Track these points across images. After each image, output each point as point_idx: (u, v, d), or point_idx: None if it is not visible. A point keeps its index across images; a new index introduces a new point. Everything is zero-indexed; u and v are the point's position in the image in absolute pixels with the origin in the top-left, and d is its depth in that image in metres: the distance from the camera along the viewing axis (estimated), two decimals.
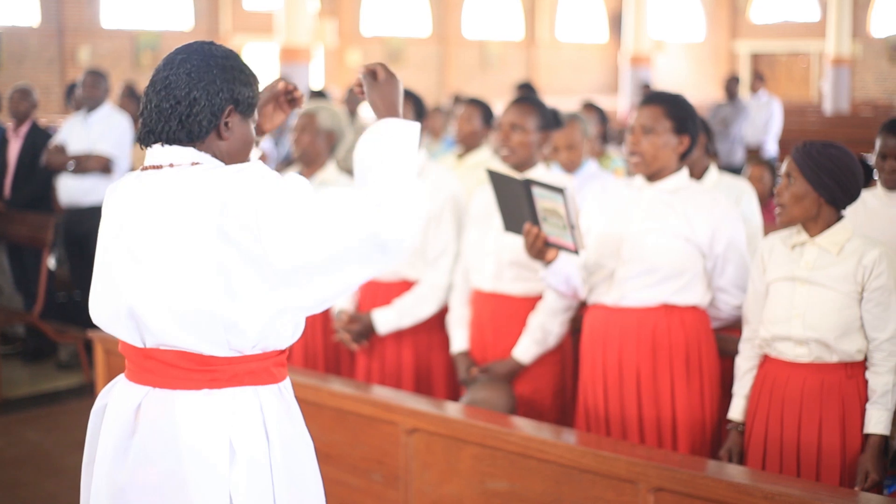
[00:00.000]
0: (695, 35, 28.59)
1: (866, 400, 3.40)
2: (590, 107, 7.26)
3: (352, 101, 11.41)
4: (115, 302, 2.37)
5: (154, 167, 2.37)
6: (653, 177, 3.82)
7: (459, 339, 4.33)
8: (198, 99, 2.34)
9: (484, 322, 4.22)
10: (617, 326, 3.82)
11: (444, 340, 4.47)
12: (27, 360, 7.65)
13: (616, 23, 26.32)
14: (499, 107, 6.08)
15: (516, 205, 3.74)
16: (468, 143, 5.87)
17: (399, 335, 4.50)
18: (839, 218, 3.45)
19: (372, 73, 2.55)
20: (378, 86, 2.53)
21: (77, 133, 7.44)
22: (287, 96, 2.76)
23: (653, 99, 3.82)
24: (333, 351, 4.81)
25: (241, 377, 2.35)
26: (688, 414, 3.78)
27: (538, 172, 4.19)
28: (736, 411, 3.64)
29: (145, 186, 2.37)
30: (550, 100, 5.21)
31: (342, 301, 4.61)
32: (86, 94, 7.47)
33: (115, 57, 18.50)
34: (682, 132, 3.77)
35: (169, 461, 2.30)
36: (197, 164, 2.35)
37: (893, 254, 3.46)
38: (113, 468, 2.36)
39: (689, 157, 3.86)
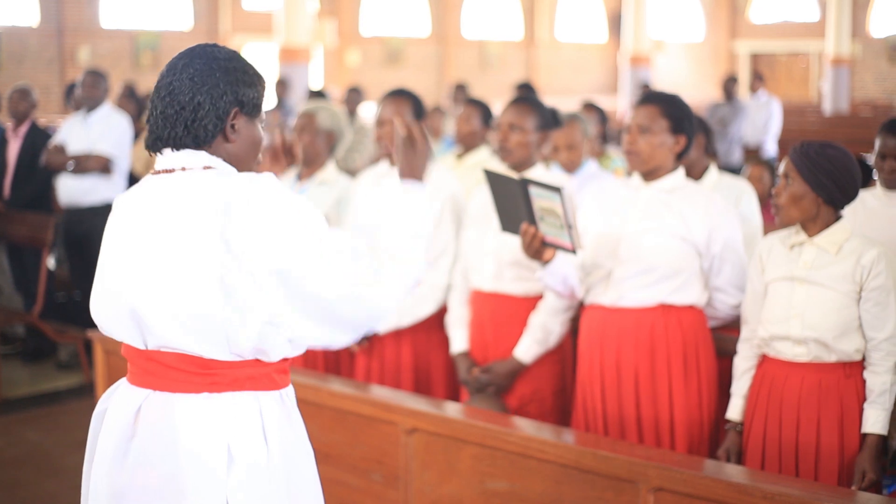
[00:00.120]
0: (694, 35, 28.60)
1: (864, 399, 3.40)
2: (590, 107, 7.25)
3: (351, 100, 11.42)
4: (117, 302, 2.36)
5: (166, 171, 2.37)
6: (649, 176, 3.82)
7: (459, 339, 4.33)
8: (202, 103, 2.33)
9: (484, 322, 4.22)
10: (614, 326, 3.83)
11: (444, 340, 4.47)
12: (27, 360, 7.65)
13: (615, 23, 26.32)
14: (498, 107, 6.08)
15: (513, 205, 3.74)
16: (467, 143, 5.87)
17: (398, 335, 4.50)
18: (837, 218, 3.46)
19: (410, 138, 2.64)
20: (413, 152, 2.64)
21: (77, 133, 7.43)
22: (285, 150, 2.81)
23: (649, 99, 3.83)
24: (333, 351, 4.81)
25: (241, 382, 2.34)
26: (685, 414, 3.78)
27: (537, 172, 4.19)
28: (734, 411, 3.65)
29: (155, 190, 2.37)
30: (550, 100, 5.22)
31: None
32: (85, 94, 7.47)
33: (115, 57, 18.51)
34: (679, 132, 3.77)
35: (167, 464, 2.30)
36: (209, 168, 2.35)
37: (892, 254, 3.46)
38: (112, 471, 2.36)
39: (685, 156, 3.87)
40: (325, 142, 4.94)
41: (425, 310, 4.46)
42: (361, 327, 2.39)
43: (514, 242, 4.02)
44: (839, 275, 3.39)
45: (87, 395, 6.58)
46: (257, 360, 2.35)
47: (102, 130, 7.42)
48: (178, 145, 2.36)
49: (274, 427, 2.37)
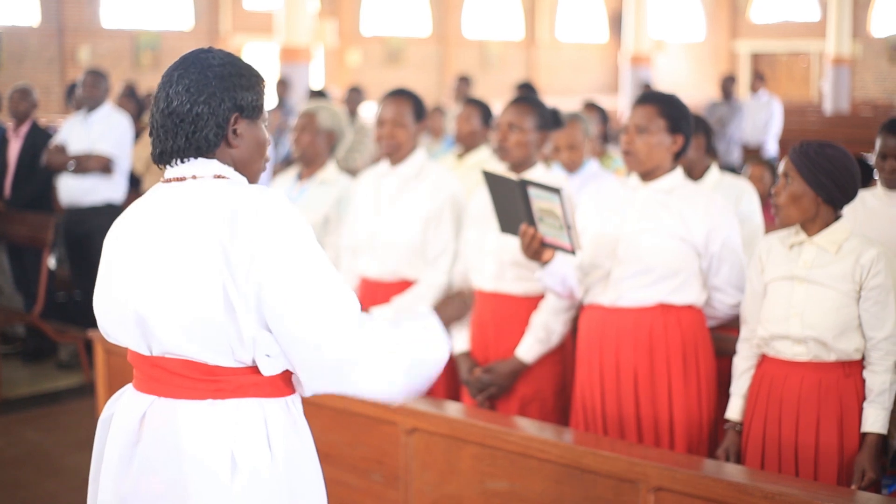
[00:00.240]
0: (695, 35, 28.60)
1: (864, 399, 3.40)
2: (591, 106, 7.25)
3: (352, 100, 11.42)
4: (123, 309, 2.35)
5: (177, 179, 2.36)
6: (647, 176, 3.82)
7: (460, 339, 4.33)
8: (201, 114, 2.31)
9: (485, 322, 4.22)
10: (614, 326, 3.83)
11: None
12: (27, 359, 7.65)
13: (616, 23, 26.33)
14: (499, 107, 6.08)
15: (512, 206, 3.74)
16: (468, 143, 5.88)
17: None
18: (837, 217, 3.46)
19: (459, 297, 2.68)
20: (453, 304, 2.66)
21: (77, 133, 7.43)
22: None
23: (647, 98, 3.83)
24: None
25: (245, 389, 2.32)
26: (685, 413, 3.78)
27: (538, 172, 4.19)
28: (733, 411, 3.65)
29: (164, 198, 2.35)
30: (550, 100, 5.21)
31: None
32: (86, 94, 7.46)
33: (116, 57, 18.52)
34: (676, 131, 3.77)
35: (171, 471, 2.28)
36: (220, 177, 2.34)
37: (892, 253, 3.46)
38: (118, 477, 2.35)
39: (683, 156, 3.87)
40: (326, 141, 4.94)
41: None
42: (328, 375, 2.30)
43: (514, 242, 4.01)
44: (839, 274, 3.39)
45: (87, 395, 6.58)
46: None
47: (103, 130, 7.42)
48: (182, 157, 2.34)
49: (279, 434, 2.34)
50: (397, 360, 2.34)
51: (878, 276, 3.37)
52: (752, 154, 11.78)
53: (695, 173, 4.70)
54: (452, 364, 4.46)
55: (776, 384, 3.48)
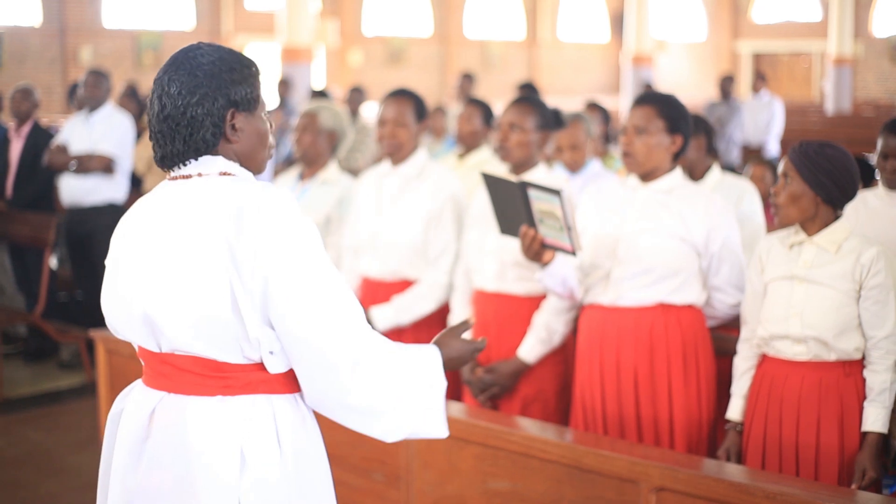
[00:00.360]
0: (696, 35, 28.60)
1: (864, 398, 3.40)
2: (593, 106, 7.25)
3: (353, 100, 11.42)
4: (130, 306, 2.34)
5: (183, 177, 2.35)
6: (646, 177, 3.83)
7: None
8: (196, 116, 2.29)
9: (487, 322, 4.22)
10: (614, 326, 3.83)
11: None
12: (29, 359, 7.65)
13: (618, 22, 26.33)
14: (500, 107, 6.08)
15: (512, 207, 3.74)
16: (469, 143, 5.88)
17: (400, 334, 4.50)
18: (837, 217, 3.46)
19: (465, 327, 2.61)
20: (460, 338, 2.57)
21: (79, 133, 7.43)
22: None
23: (645, 99, 3.83)
24: None
25: (255, 385, 2.32)
26: (685, 413, 3.78)
27: (539, 172, 4.19)
28: (734, 411, 3.65)
29: (170, 196, 2.35)
30: (552, 100, 5.22)
31: None
32: (87, 94, 7.46)
33: (117, 57, 18.53)
34: (675, 132, 3.77)
35: (179, 467, 2.28)
36: (226, 174, 2.33)
37: (893, 253, 3.46)
38: (126, 473, 2.34)
39: (682, 156, 3.87)
40: (327, 142, 4.94)
41: (425, 308, 4.45)
42: (318, 389, 2.28)
43: (515, 243, 4.01)
44: (838, 273, 3.39)
45: (88, 395, 6.58)
46: None
47: (104, 130, 7.42)
48: (183, 160, 2.33)
49: (288, 431, 2.34)
50: (394, 389, 2.33)
51: (878, 275, 3.37)
52: (754, 154, 11.79)
53: (696, 173, 4.70)
54: None
55: (777, 384, 3.48)
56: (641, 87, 17.00)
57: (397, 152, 4.54)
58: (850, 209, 4.06)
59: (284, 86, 12.74)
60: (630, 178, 3.88)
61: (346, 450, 3.95)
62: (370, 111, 12.54)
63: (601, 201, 3.95)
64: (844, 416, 3.40)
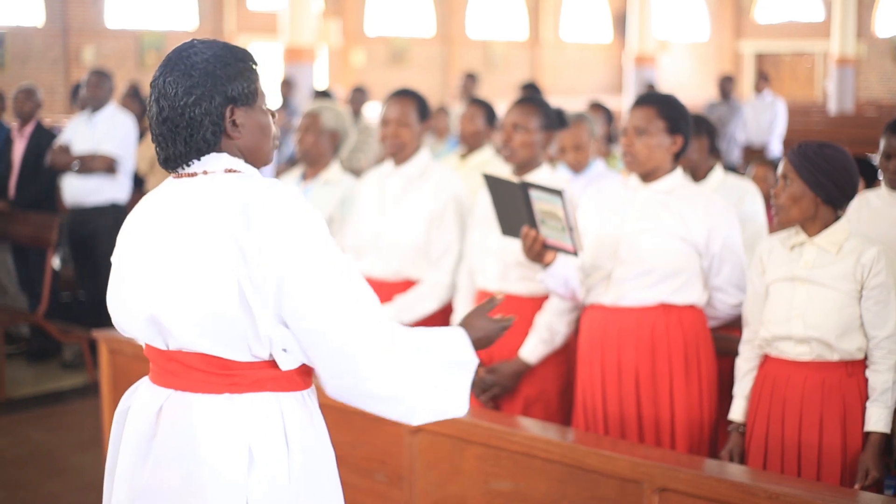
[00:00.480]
0: (699, 35, 28.59)
1: (867, 398, 3.40)
2: (597, 107, 7.26)
3: (356, 100, 11.43)
4: (136, 305, 2.34)
5: (189, 175, 2.34)
6: (647, 177, 3.83)
7: None
8: (194, 117, 2.28)
9: None
10: (615, 326, 3.83)
11: None
12: (31, 359, 7.65)
13: (620, 23, 26.32)
14: (502, 107, 6.08)
15: (513, 208, 3.74)
16: (471, 144, 5.88)
17: None
18: (837, 217, 3.45)
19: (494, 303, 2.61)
20: (488, 321, 2.58)
21: (81, 133, 7.44)
22: None
23: (645, 100, 3.83)
24: None
25: (262, 383, 2.31)
26: (686, 413, 3.78)
27: (543, 173, 4.19)
28: (737, 412, 3.65)
29: (175, 193, 2.34)
30: (554, 100, 5.22)
31: None
32: (89, 94, 7.47)
33: (120, 57, 18.53)
34: (676, 132, 3.77)
35: (187, 465, 2.27)
36: (231, 171, 2.33)
37: (893, 253, 3.46)
38: (133, 471, 2.33)
39: (683, 156, 3.87)
40: (330, 142, 4.95)
41: (427, 307, 4.45)
42: (338, 376, 2.28)
43: (517, 243, 4.01)
44: (840, 274, 3.39)
45: (91, 395, 6.58)
46: None
47: (107, 130, 7.42)
48: (185, 161, 2.33)
49: (296, 428, 2.33)
50: (414, 369, 2.32)
51: (880, 275, 3.37)
52: (756, 154, 11.79)
53: (699, 174, 4.70)
54: None
55: (779, 384, 3.48)
56: (644, 87, 17.01)
57: (400, 152, 4.54)
58: (852, 209, 4.06)
59: (287, 86, 12.75)
60: (631, 179, 3.88)
61: (348, 450, 3.95)
62: (372, 111, 12.55)
63: (602, 202, 3.95)
64: (847, 416, 3.40)
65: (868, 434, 3.37)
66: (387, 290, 4.51)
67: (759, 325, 3.56)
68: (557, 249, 3.69)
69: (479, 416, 3.74)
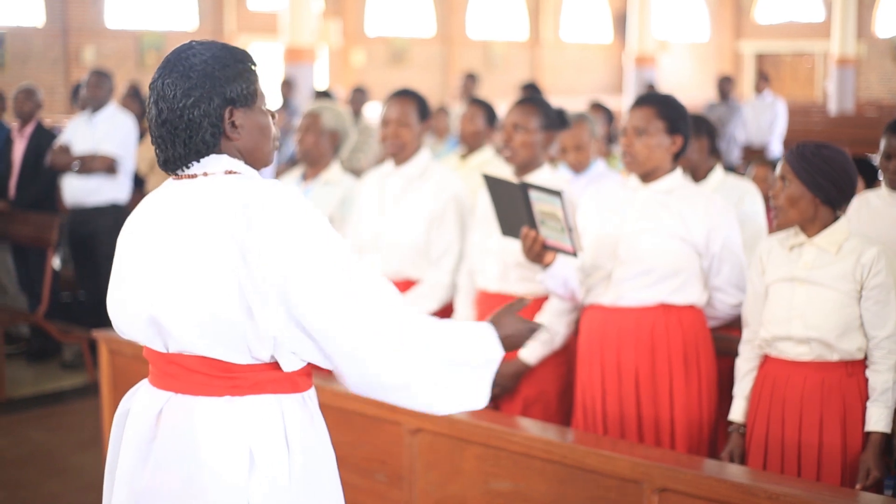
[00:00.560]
0: (699, 35, 28.59)
1: (867, 398, 3.40)
2: (597, 107, 7.26)
3: (356, 100, 11.43)
4: (136, 307, 2.33)
5: (189, 176, 2.33)
6: (647, 177, 3.83)
7: None
8: (193, 119, 2.28)
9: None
10: (615, 326, 3.83)
11: None
12: (31, 359, 7.65)
13: (620, 23, 26.32)
14: (503, 107, 6.07)
15: (513, 209, 3.74)
16: (471, 144, 5.87)
17: None
18: (836, 217, 3.45)
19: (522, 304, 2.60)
20: (517, 317, 2.56)
21: (82, 133, 7.44)
22: None
23: (644, 100, 3.83)
24: None
25: (263, 385, 2.31)
26: (685, 413, 3.78)
27: (544, 173, 4.19)
28: (737, 413, 3.65)
29: (175, 195, 2.33)
30: (554, 100, 5.21)
31: None
32: (89, 94, 7.47)
33: (120, 57, 18.53)
34: (675, 132, 3.77)
35: (187, 467, 2.26)
36: (231, 172, 2.32)
37: (893, 253, 3.46)
38: (133, 474, 2.33)
39: (682, 156, 3.87)
40: (330, 142, 4.95)
41: (426, 308, 4.45)
42: (353, 371, 2.28)
43: (517, 243, 4.01)
44: (839, 274, 3.39)
45: (91, 396, 6.58)
46: (278, 363, 2.32)
47: (107, 130, 7.43)
48: (185, 162, 2.32)
49: (296, 430, 2.33)
50: (423, 376, 2.33)
51: (879, 275, 3.37)
52: (757, 155, 11.79)
53: (699, 174, 4.70)
54: None
55: (779, 384, 3.48)
56: (644, 87, 17.01)
57: (400, 152, 4.54)
58: (852, 209, 4.06)
59: (287, 86, 12.75)
60: (630, 179, 3.88)
61: (348, 450, 3.95)
62: (373, 111, 12.55)
63: (601, 202, 3.95)
64: (847, 416, 3.40)
65: (868, 434, 3.38)
66: None
67: (759, 325, 3.56)
68: (557, 250, 3.69)
69: (478, 417, 3.74)
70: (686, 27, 28.29)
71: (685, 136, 3.80)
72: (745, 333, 3.66)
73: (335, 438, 4.01)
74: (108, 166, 7.36)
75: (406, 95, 4.59)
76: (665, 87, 20.60)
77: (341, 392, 3.97)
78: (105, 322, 3.09)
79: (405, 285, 4.52)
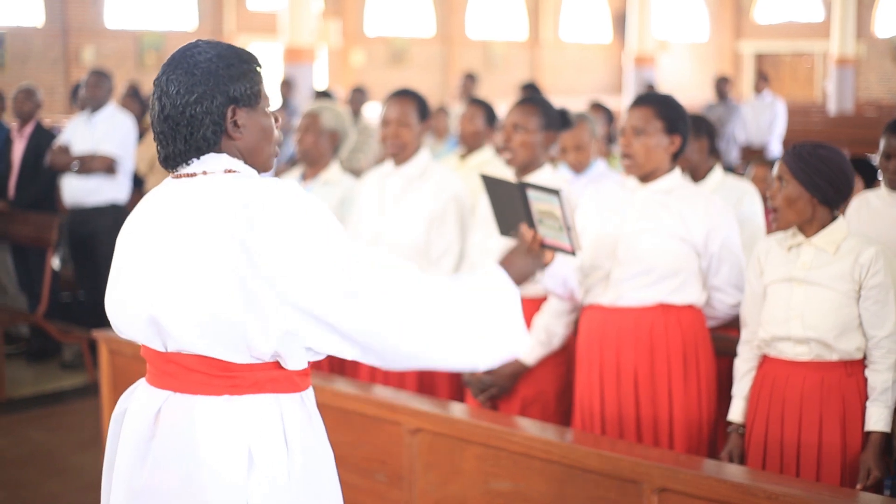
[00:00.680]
0: (699, 35, 28.59)
1: (866, 398, 3.40)
2: (597, 107, 7.27)
3: (355, 101, 11.43)
4: (135, 307, 2.33)
5: (188, 175, 2.33)
6: (646, 177, 3.83)
7: None
8: (195, 115, 2.28)
9: None
10: (614, 327, 3.83)
11: None
12: (31, 359, 7.65)
13: (620, 23, 26.33)
14: (503, 107, 6.09)
15: (511, 208, 3.73)
16: (471, 144, 5.87)
17: None
18: (834, 217, 3.46)
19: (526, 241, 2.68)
20: (525, 256, 2.67)
21: (81, 133, 7.44)
22: None
23: (643, 100, 3.83)
24: None
25: (262, 384, 2.30)
26: (685, 413, 3.78)
27: (545, 174, 4.18)
28: (736, 413, 3.65)
29: (175, 194, 2.33)
30: (554, 100, 5.21)
31: None
32: (88, 94, 7.47)
33: (120, 57, 18.54)
34: (674, 132, 3.77)
35: (186, 467, 2.26)
36: (230, 171, 2.32)
37: (892, 253, 3.46)
38: (132, 473, 2.32)
39: (681, 156, 3.87)
40: (329, 142, 4.95)
41: None
42: (380, 349, 2.29)
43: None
44: (838, 274, 3.39)
45: (91, 395, 6.58)
46: (278, 363, 2.31)
47: (107, 130, 7.42)
48: (185, 159, 2.32)
49: (295, 430, 2.33)
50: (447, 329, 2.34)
51: (878, 274, 3.37)
52: (756, 155, 11.79)
53: (698, 174, 4.70)
54: None
55: (778, 384, 3.48)
56: (644, 87, 17.02)
57: (401, 152, 4.54)
58: (852, 209, 4.06)
59: (287, 86, 12.75)
60: (630, 179, 3.88)
61: (348, 450, 3.95)
62: (372, 111, 12.55)
63: (601, 202, 3.95)
64: (846, 415, 3.40)
65: (868, 434, 3.38)
66: None
67: (757, 325, 3.56)
68: (555, 249, 3.69)
69: (478, 417, 3.74)
70: (686, 27, 28.29)
71: (684, 135, 3.80)
72: (744, 334, 3.66)
73: (335, 438, 4.01)
74: (107, 166, 7.36)
75: (406, 95, 4.59)
76: (665, 87, 20.61)
77: (341, 392, 3.98)
78: (105, 322, 3.08)
79: None
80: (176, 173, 2.36)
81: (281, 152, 10.50)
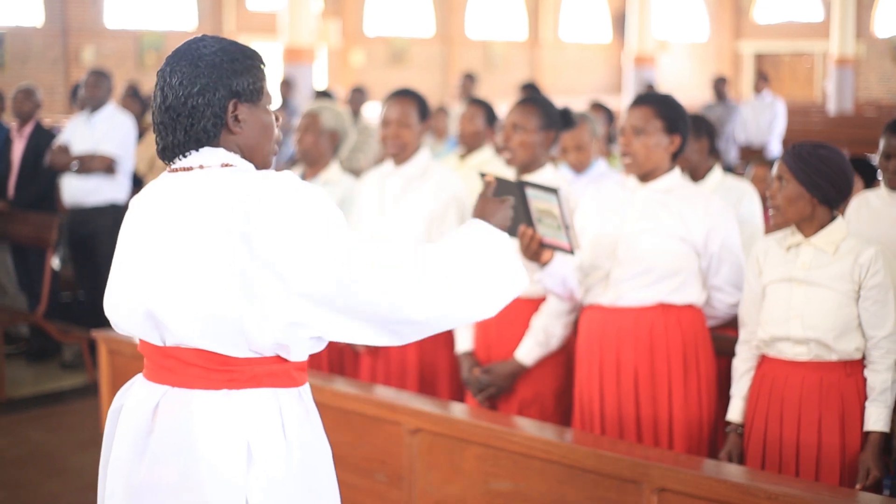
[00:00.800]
0: (698, 35, 28.59)
1: (865, 398, 3.40)
2: (597, 107, 7.27)
3: (355, 101, 11.43)
4: (133, 301, 2.33)
5: (185, 169, 2.33)
6: (646, 177, 3.83)
7: (464, 339, 4.33)
8: (196, 106, 2.29)
9: (489, 322, 4.22)
10: (614, 326, 3.83)
11: (449, 340, 4.46)
12: (31, 359, 7.65)
13: (620, 23, 26.33)
14: (503, 107, 6.08)
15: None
16: (470, 144, 5.88)
17: None
18: (833, 217, 3.46)
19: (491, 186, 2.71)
20: (493, 201, 2.64)
21: (81, 133, 7.44)
22: None
23: (643, 100, 3.84)
24: (337, 350, 4.81)
25: (260, 378, 2.31)
26: (684, 413, 3.78)
27: (546, 174, 4.18)
28: (735, 413, 3.65)
29: (172, 188, 2.33)
30: (554, 100, 5.22)
31: None
32: (88, 94, 7.47)
33: (119, 57, 18.54)
34: (673, 131, 3.77)
35: (185, 461, 2.26)
36: (227, 165, 2.32)
37: (892, 253, 3.46)
38: (130, 468, 2.32)
39: (680, 156, 3.87)
40: (329, 142, 4.95)
41: None
42: (390, 322, 2.30)
43: (515, 243, 4.01)
44: (837, 274, 3.39)
45: (91, 395, 6.58)
46: (277, 357, 2.31)
47: (106, 130, 7.42)
48: (183, 151, 2.33)
49: (293, 424, 2.33)
50: (444, 291, 2.36)
51: (877, 275, 3.37)
52: (756, 155, 11.80)
53: (698, 174, 4.70)
54: (457, 365, 4.47)
55: (777, 384, 3.49)
56: (643, 87, 17.02)
57: (401, 152, 4.54)
58: (851, 209, 4.06)
59: (286, 86, 12.75)
60: (629, 179, 3.88)
61: (348, 450, 3.95)
62: (372, 111, 12.55)
63: (601, 201, 3.95)
64: (846, 415, 3.40)
65: (868, 434, 3.38)
66: None
67: (756, 325, 3.56)
68: (554, 248, 3.69)
69: (478, 417, 3.74)
70: (685, 27, 28.30)
71: (683, 135, 3.80)
72: (742, 334, 3.66)
73: (335, 439, 4.01)
74: (107, 166, 7.36)
75: (406, 95, 4.59)
76: (664, 87, 20.61)
77: (341, 392, 3.98)
78: (105, 322, 3.08)
79: None
80: (172, 167, 2.36)
81: (281, 152, 10.53)
